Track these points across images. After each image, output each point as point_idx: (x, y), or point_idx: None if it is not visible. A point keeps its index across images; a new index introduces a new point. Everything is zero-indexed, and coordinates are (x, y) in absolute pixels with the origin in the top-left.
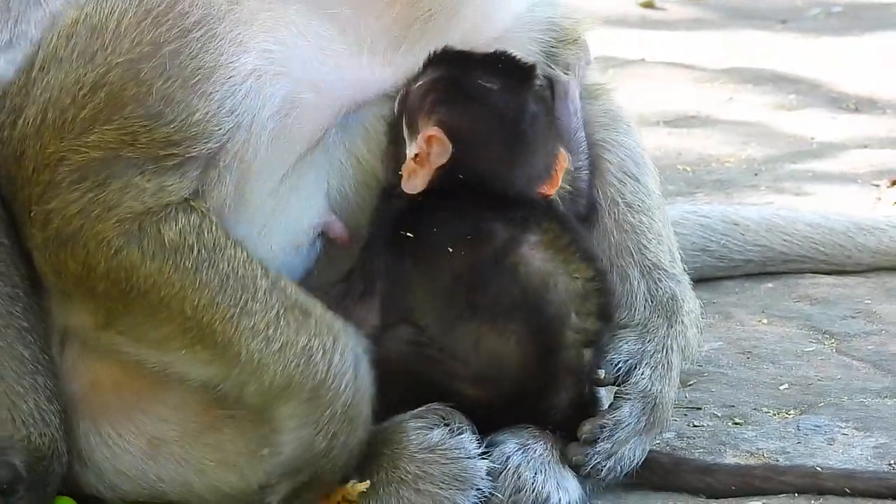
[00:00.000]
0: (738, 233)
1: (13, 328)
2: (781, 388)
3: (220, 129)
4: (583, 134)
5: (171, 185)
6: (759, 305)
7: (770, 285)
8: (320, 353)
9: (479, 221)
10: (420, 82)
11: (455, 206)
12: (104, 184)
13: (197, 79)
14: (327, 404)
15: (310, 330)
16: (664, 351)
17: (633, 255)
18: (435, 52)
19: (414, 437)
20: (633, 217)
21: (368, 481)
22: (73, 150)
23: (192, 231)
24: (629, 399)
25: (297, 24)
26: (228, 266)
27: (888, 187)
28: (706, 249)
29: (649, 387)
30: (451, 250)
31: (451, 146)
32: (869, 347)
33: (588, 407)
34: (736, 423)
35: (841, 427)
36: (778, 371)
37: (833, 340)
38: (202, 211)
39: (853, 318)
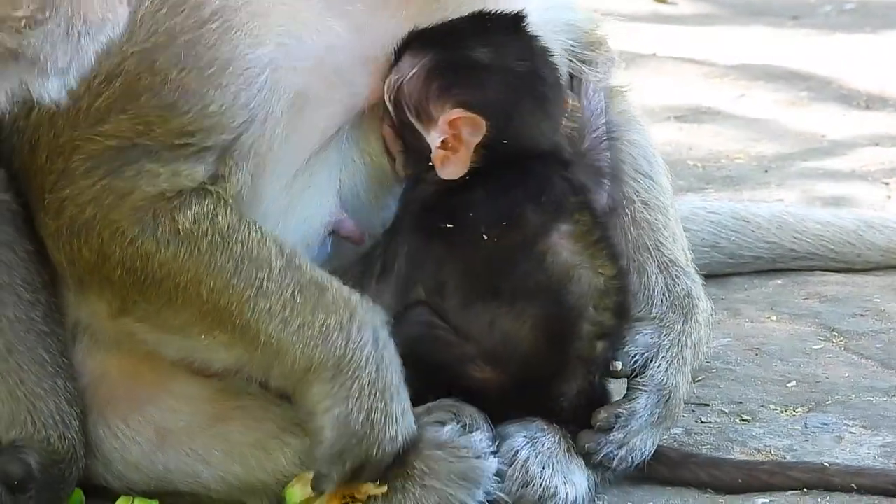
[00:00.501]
0: (748, 229)
1: (34, 332)
2: (789, 385)
3: (235, 121)
4: (604, 130)
5: (186, 170)
6: (767, 302)
7: (779, 282)
8: (337, 329)
9: (513, 206)
10: (412, 72)
11: (488, 189)
12: (118, 171)
13: (213, 70)
14: (353, 379)
15: (326, 307)
16: (679, 346)
17: (650, 251)
18: (407, 36)
19: (424, 432)
20: (650, 214)
21: (385, 486)
22: (87, 140)
23: (206, 217)
24: (645, 391)
25: (312, 20)
26: (243, 248)
27: None
28: (716, 245)
29: (665, 380)
30: (484, 236)
31: (484, 121)
32: (877, 346)
33: (598, 400)
34: (744, 420)
35: (848, 425)
36: (786, 368)
37: (841, 338)
38: (217, 194)
39: (862, 316)
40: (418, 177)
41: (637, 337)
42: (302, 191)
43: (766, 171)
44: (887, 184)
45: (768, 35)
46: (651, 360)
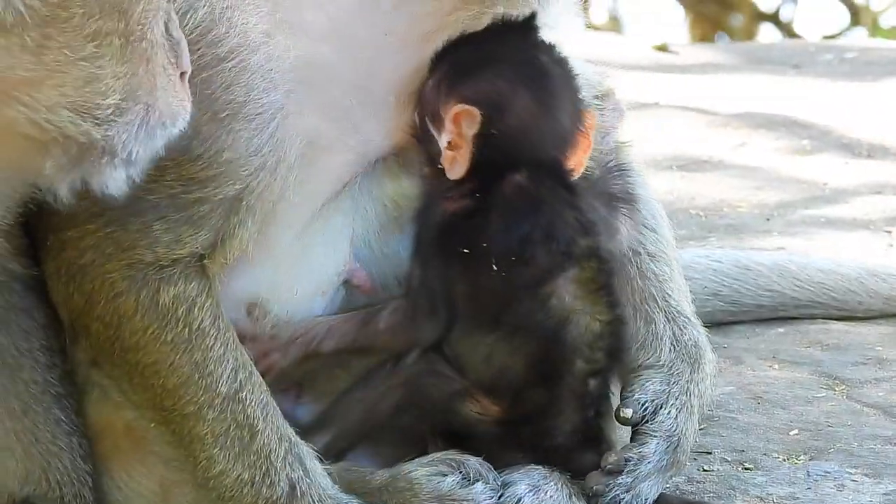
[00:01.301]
0: (750, 278)
1: (49, 394)
2: (792, 433)
3: (246, 169)
4: (615, 165)
5: (187, 238)
6: (769, 350)
7: (781, 330)
8: (248, 486)
9: (524, 244)
10: (429, 81)
11: (502, 220)
12: (123, 222)
13: (226, 113)
14: None
15: (247, 458)
16: (688, 394)
17: (657, 301)
18: (435, 53)
19: (425, 483)
20: (656, 266)
21: None
22: None
23: (184, 302)
24: (655, 437)
25: (327, 67)
26: (201, 357)
27: None
28: (718, 294)
29: (674, 427)
30: (494, 267)
31: (478, 111)
32: (879, 394)
33: (594, 439)
34: (746, 469)
35: (851, 473)
36: (788, 416)
37: (843, 386)
38: (205, 282)
39: (864, 364)
40: (437, 193)
41: (647, 384)
42: (315, 239)
43: (768, 220)
44: (889, 232)
45: (770, 84)
46: (661, 407)
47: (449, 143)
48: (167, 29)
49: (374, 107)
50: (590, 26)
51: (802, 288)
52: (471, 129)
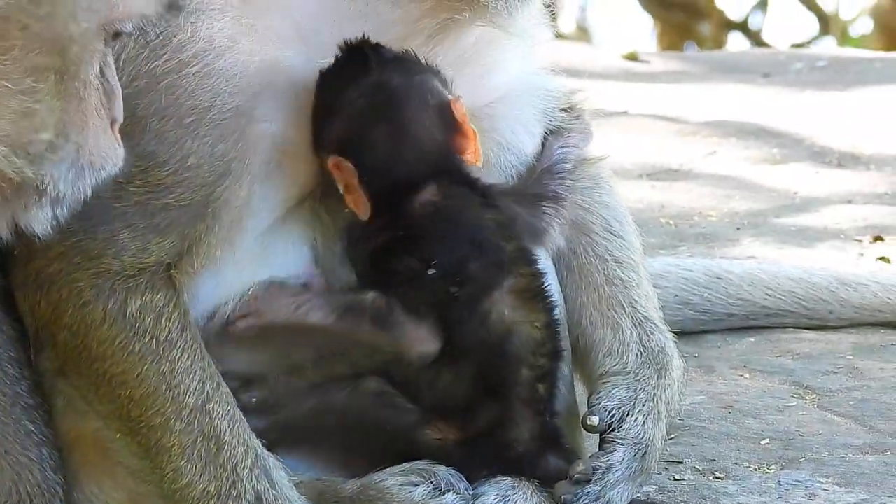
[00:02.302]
0: (721, 287)
1: (19, 405)
2: (763, 442)
3: (212, 174)
4: (562, 175)
5: (154, 246)
6: (740, 360)
7: (752, 340)
8: (215, 498)
9: (456, 261)
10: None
11: (429, 241)
12: (90, 231)
13: (192, 118)
14: None
15: (213, 470)
16: (655, 401)
17: (624, 307)
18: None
19: (396, 493)
20: (622, 272)
21: None
22: None
23: (151, 312)
24: (623, 444)
25: (292, 72)
26: (169, 369)
27: (871, 242)
28: (689, 303)
29: (641, 434)
30: (430, 293)
31: (347, 160)
32: (850, 403)
33: (555, 441)
34: (717, 478)
35: (822, 482)
36: (759, 426)
37: (815, 395)
38: (171, 293)
39: (835, 373)
40: (357, 232)
41: (613, 391)
42: (276, 245)
43: (739, 229)
44: (860, 241)
45: (740, 92)
46: (627, 415)
47: (342, 186)
48: (102, 73)
49: None
50: (559, 36)
51: (773, 297)
52: (352, 176)
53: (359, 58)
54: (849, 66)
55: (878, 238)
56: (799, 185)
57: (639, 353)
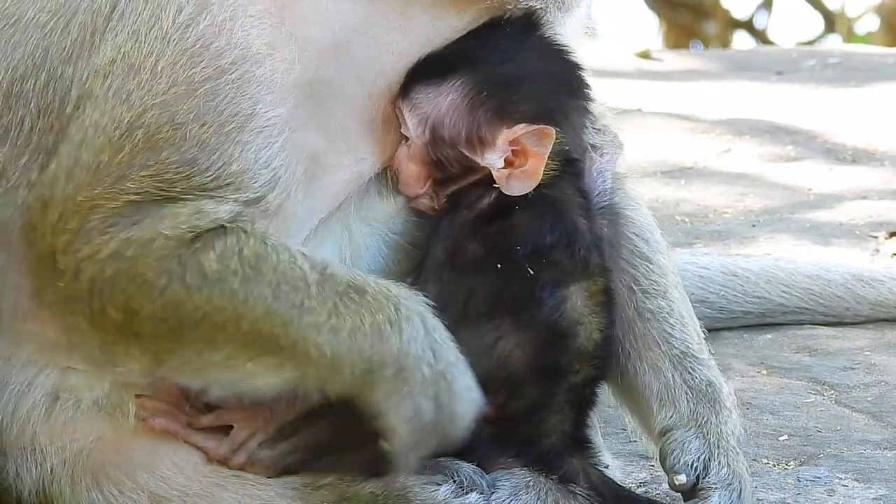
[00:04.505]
0: (738, 284)
1: None
2: (781, 439)
3: (257, 181)
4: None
5: (209, 208)
6: (758, 357)
7: (769, 336)
8: (387, 325)
9: (554, 245)
10: (445, 104)
11: (529, 223)
12: (138, 223)
13: (233, 126)
14: (414, 371)
15: (370, 307)
16: (726, 437)
17: (660, 345)
18: (417, 66)
19: (419, 492)
20: (651, 303)
21: None
22: (107, 198)
23: (232, 254)
24: (716, 488)
25: (330, 84)
26: (275, 273)
27: (886, 239)
28: (705, 301)
29: (730, 475)
30: (530, 270)
31: (552, 129)
32: (868, 399)
33: (583, 444)
34: None
35: (841, 478)
36: (777, 422)
37: (832, 392)
38: (238, 231)
39: (852, 369)
40: (453, 210)
41: (685, 446)
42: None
43: (754, 226)
44: (875, 237)
45: (753, 90)
46: (709, 460)
47: (505, 160)
48: None
49: (370, 126)
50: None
51: (790, 294)
52: (543, 147)
53: (529, 28)
54: (861, 63)
55: (893, 234)
56: (813, 182)
57: (688, 396)
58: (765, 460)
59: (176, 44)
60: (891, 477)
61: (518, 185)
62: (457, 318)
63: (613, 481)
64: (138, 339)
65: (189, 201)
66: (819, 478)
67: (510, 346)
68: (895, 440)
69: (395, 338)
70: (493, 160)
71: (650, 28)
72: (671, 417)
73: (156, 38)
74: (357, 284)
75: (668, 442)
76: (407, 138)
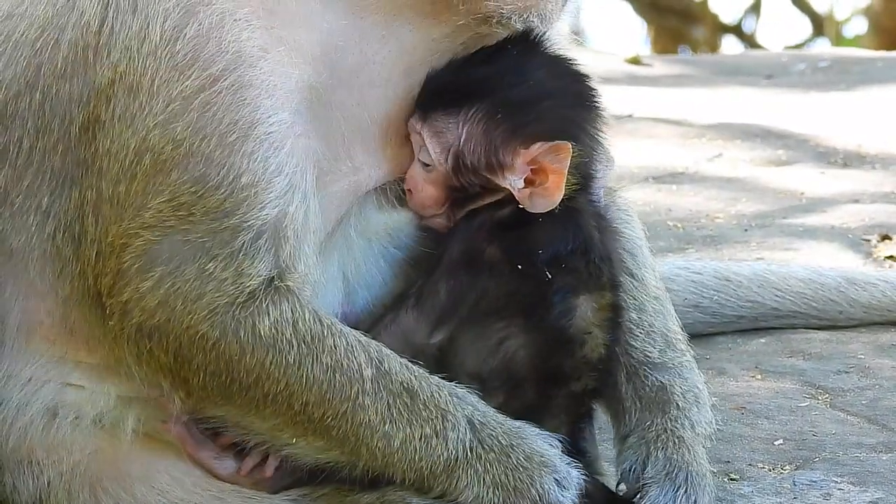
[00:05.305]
0: (731, 289)
1: None
2: (776, 443)
3: (272, 191)
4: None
5: (248, 268)
6: (752, 361)
7: (763, 341)
8: (434, 437)
9: (571, 252)
10: (464, 132)
11: (547, 229)
12: (178, 272)
13: (235, 135)
14: (467, 469)
15: (420, 415)
16: (667, 432)
17: (619, 358)
18: (426, 90)
19: (418, 502)
20: (623, 316)
21: None
22: (131, 235)
23: (286, 324)
24: (654, 483)
25: (324, 90)
26: (331, 359)
27: (878, 242)
28: (698, 306)
29: (667, 465)
30: (548, 275)
31: (568, 144)
32: (863, 402)
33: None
34: (732, 479)
35: (836, 482)
36: (772, 426)
37: (827, 395)
38: (291, 293)
39: (846, 372)
40: (470, 216)
41: (625, 454)
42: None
43: (746, 230)
44: (868, 240)
45: (743, 94)
46: (647, 459)
47: (525, 180)
48: None
49: (363, 135)
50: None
51: (783, 298)
52: (562, 164)
53: (533, 46)
54: (851, 66)
55: (885, 237)
56: (805, 186)
57: (636, 407)
58: (760, 465)
59: (167, 59)
60: (886, 480)
61: (541, 202)
62: (467, 314)
63: (608, 489)
64: (186, 385)
65: (223, 258)
66: (815, 482)
67: (516, 346)
68: (890, 443)
69: (441, 448)
70: (513, 181)
71: (638, 33)
72: (622, 429)
73: (147, 53)
74: (410, 387)
75: (617, 455)
76: (427, 165)
